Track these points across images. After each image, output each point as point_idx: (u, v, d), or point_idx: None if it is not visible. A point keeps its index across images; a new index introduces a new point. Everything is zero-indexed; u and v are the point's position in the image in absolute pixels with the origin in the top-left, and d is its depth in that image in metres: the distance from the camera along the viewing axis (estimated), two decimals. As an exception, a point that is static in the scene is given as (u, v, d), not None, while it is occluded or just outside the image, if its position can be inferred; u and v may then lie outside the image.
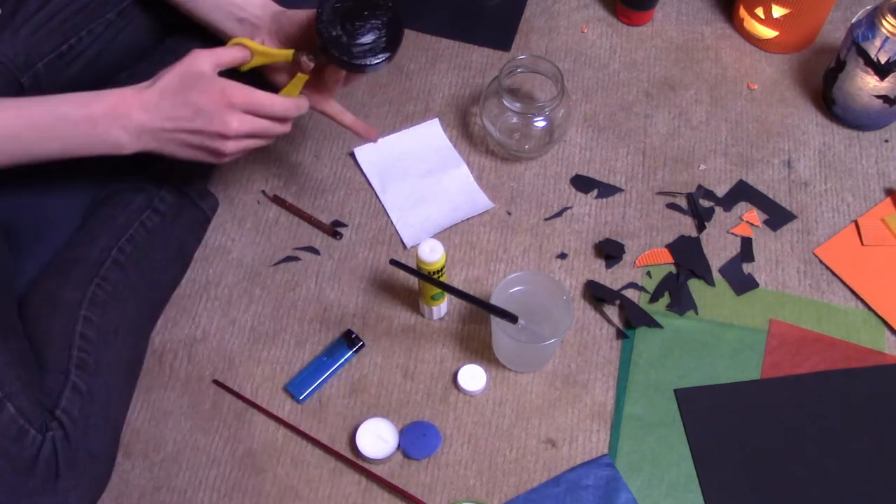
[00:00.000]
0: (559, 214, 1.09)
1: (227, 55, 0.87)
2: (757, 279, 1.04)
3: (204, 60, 0.84)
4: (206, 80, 0.84)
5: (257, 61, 0.91)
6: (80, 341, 0.86)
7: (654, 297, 1.03)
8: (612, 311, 1.02)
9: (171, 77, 0.84)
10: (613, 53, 1.24)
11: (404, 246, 1.06)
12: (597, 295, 1.02)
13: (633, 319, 1.00)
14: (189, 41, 1.05)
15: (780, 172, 1.13)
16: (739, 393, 0.96)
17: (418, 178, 1.11)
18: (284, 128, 0.90)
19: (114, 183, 1.00)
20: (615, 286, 1.03)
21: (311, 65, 0.89)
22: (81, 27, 1.00)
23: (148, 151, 0.86)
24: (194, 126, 0.84)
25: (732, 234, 1.08)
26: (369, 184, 1.11)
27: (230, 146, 0.86)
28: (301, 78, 0.91)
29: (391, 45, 0.88)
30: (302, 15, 0.91)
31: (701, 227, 1.08)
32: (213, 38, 1.05)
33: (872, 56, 1.05)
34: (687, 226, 1.08)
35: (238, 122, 0.84)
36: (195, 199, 1.02)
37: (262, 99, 0.85)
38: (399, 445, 0.92)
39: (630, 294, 1.03)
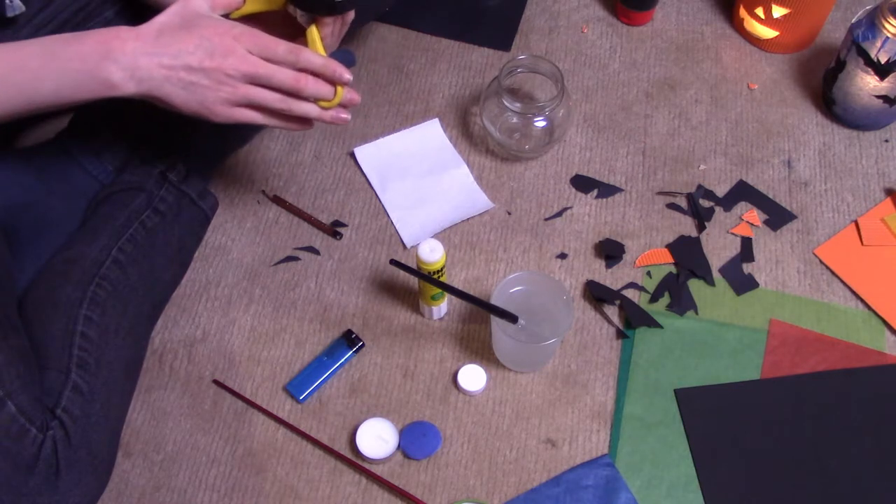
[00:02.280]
0: (559, 214, 1.09)
1: None
2: (757, 279, 1.04)
3: (199, 2, 0.80)
4: (210, 18, 0.80)
5: (248, 7, 0.86)
6: (80, 340, 0.86)
7: (654, 297, 1.03)
8: (612, 311, 1.02)
9: (169, 16, 0.79)
10: (613, 53, 1.24)
11: (404, 246, 1.06)
12: (597, 295, 1.02)
13: (633, 319, 1.00)
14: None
15: (780, 172, 1.13)
16: (739, 393, 0.96)
17: (418, 178, 1.11)
18: (290, 79, 0.82)
19: (114, 183, 1.00)
20: (615, 286, 1.03)
21: (305, 16, 0.84)
22: (80, 26, 1.00)
23: (141, 96, 0.81)
24: (195, 60, 0.78)
25: (732, 234, 1.08)
26: (369, 184, 1.11)
27: (229, 91, 0.80)
28: (313, 35, 0.86)
29: None
30: None
31: (701, 227, 1.08)
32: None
33: (872, 56, 1.05)
34: (687, 226, 1.08)
35: (241, 60, 0.79)
36: (195, 199, 1.02)
37: (267, 40, 0.80)
38: (399, 445, 0.92)
39: (630, 294, 1.03)
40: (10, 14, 0.93)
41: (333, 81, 0.85)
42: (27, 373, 0.81)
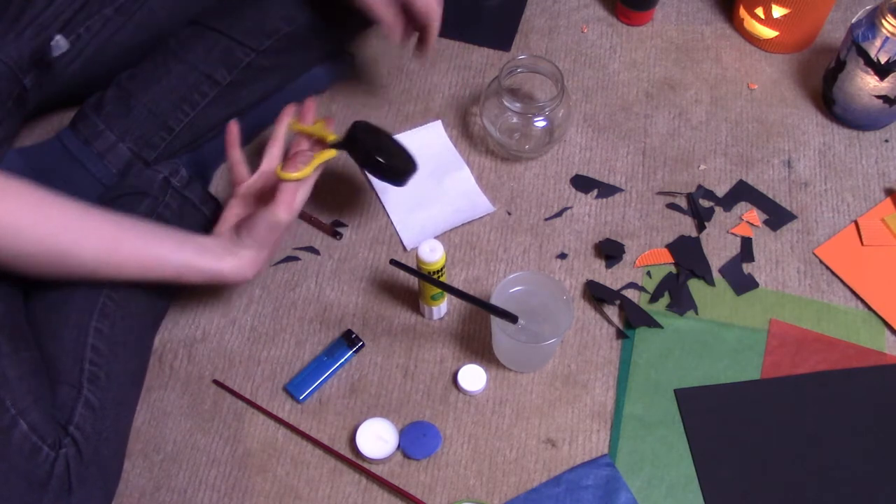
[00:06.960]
0: (559, 214, 1.09)
1: (292, 198, 0.91)
2: (757, 279, 1.04)
3: (283, 218, 0.90)
4: (278, 229, 0.91)
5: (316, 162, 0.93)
6: (91, 354, 0.85)
7: (654, 297, 1.03)
8: (612, 311, 1.02)
9: (266, 237, 0.91)
10: (613, 53, 1.24)
11: (404, 247, 1.07)
12: (597, 295, 1.02)
13: (633, 319, 1.00)
14: (192, 42, 1.06)
15: (780, 172, 1.13)
16: (739, 393, 0.96)
17: (420, 180, 1.11)
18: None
19: (117, 186, 1.00)
20: (615, 286, 1.03)
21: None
22: (80, 24, 1.00)
23: None
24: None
25: (732, 234, 1.08)
26: (370, 184, 1.11)
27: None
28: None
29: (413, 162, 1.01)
30: None
31: (701, 227, 1.08)
32: (215, 41, 1.05)
33: (872, 56, 1.05)
34: (687, 226, 1.08)
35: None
36: (197, 205, 1.02)
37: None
38: (399, 445, 0.92)
39: (630, 294, 1.03)
40: (55, 54, 0.96)
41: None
42: (39, 388, 0.81)
